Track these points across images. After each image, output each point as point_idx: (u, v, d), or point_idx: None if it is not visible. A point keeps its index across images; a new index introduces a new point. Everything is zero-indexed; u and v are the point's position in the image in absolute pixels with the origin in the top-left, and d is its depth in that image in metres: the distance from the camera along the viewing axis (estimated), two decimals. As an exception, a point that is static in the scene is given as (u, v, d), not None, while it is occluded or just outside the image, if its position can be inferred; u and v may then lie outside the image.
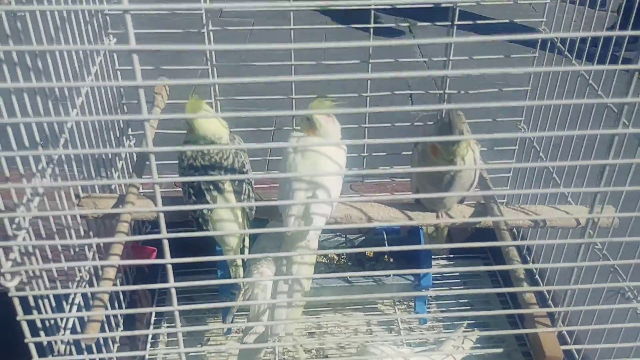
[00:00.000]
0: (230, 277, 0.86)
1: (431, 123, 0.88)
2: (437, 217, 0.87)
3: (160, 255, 0.58)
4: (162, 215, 0.57)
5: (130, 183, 0.80)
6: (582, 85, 0.92)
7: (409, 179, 1.03)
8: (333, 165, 0.79)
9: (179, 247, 0.61)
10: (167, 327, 1.05)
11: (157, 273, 1.09)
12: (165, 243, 0.57)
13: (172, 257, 0.59)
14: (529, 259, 1.11)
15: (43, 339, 0.62)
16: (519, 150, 1.15)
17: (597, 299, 0.86)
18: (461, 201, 0.90)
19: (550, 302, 0.97)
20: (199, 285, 0.61)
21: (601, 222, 0.88)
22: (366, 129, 1.10)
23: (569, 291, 0.79)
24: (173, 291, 0.61)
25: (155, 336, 1.03)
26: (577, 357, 0.90)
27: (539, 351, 0.66)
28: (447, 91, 1.06)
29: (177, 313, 0.62)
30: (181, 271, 1.09)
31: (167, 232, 0.58)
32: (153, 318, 1.06)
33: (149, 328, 1.01)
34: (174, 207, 0.59)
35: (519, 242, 1.02)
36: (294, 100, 1.05)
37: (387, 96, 1.10)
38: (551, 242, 1.04)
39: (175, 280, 0.57)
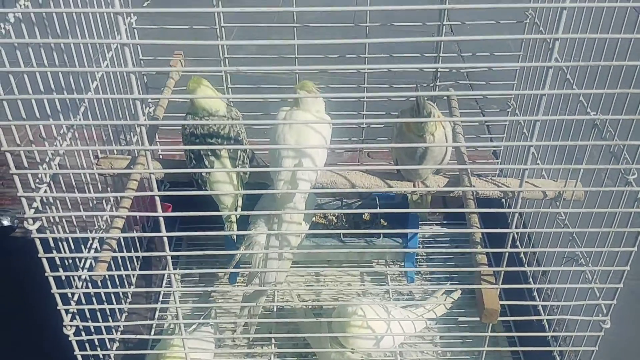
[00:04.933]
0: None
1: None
2: (414, 185, 0.97)
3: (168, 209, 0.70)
4: (152, 176, 0.68)
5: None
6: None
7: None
8: (316, 135, 0.90)
9: (190, 218, 0.72)
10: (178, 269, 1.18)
11: (173, 225, 1.22)
12: (157, 199, 0.69)
13: (183, 225, 0.70)
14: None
15: (62, 274, 0.75)
16: (508, 127, 1.22)
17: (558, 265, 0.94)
18: (437, 173, 0.99)
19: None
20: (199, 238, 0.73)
21: (566, 195, 0.96)
22: (364, 103, 1.19)
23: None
24: (165, 239, 0.73)
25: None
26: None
27: (480, 303, 0.76)
28: (441, 54, 1.14)
29: (169, 258, 0.75)
30: (192, 225, 1.21)
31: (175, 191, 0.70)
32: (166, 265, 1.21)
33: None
34: (166, 169, 0.70)
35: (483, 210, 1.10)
36: (297, 75, 1.15)
37: (387, 58, 1.18)
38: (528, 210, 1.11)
39: (187, 245, 0.69)
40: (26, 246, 1.59)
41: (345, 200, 1.25)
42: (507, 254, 0.77)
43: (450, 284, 1.14)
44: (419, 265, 1.26)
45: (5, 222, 1.62)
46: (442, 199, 1.22)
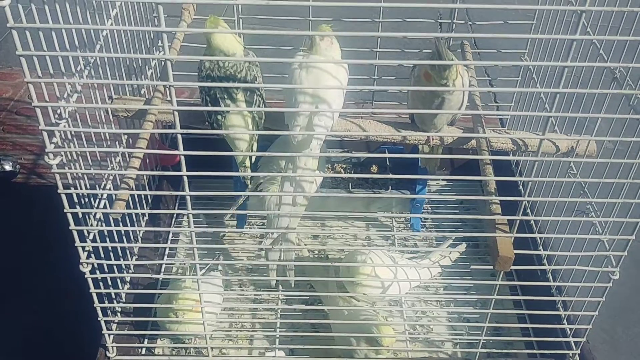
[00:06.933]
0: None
1: (427, 51, 0.96)
2: (428, 136, 0.97)
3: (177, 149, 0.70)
4: (176, 114, 0.68)
5: (156, 89, 0.91)
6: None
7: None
8: (333, 80, 0.89)
9: (199, 160, 0.71)
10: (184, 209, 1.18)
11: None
12: (179, 137, 0.69)
13: (192, 168, 0.71)
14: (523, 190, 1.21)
15: (78, 210, 0.75)
16: (521, 83, 1.22)
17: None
18: (452, 124, 0.99)
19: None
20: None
21: (580, 150, 0.96)
22: (377, 53, 1.18)
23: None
24: (185, 179, 0.73)
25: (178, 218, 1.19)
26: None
27: (494, 251, 0.77)
28: (455, 21, 1.14)
29: (188, 198, 0.75)
30: (202, 182, 1.21)
31: (186, 135, 0.70)
32: (177, 206, 1.22)
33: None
34: (187, 107, 0.70)
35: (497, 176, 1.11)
36: (310, 22, 1.14)
37: (400, 23, 1.17)
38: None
39: (194, 186, 0.68)
40: (27, 191, 1.60)
41: (354, 152, 1.25)
42: (522, 203, 0.77)
43: (456, 239, 1.15)
44: (425, 221, 1.26)
45: (8, 167, 1.61)
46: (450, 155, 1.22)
